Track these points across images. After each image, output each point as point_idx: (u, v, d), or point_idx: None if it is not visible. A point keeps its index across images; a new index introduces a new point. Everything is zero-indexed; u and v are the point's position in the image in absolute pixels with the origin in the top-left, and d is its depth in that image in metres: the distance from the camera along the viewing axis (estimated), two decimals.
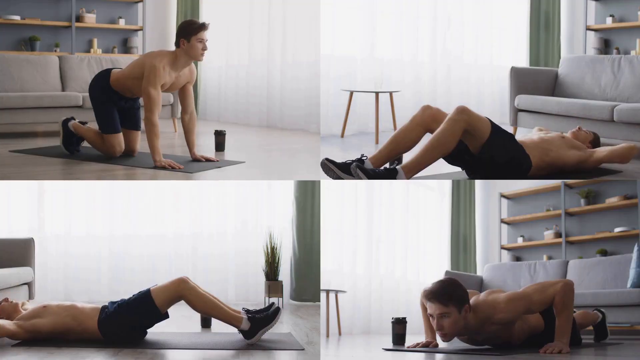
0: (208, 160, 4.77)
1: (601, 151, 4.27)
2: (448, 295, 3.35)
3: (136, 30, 8.09)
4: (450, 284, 3.40)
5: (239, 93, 7.67)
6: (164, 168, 4.43)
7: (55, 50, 7.52)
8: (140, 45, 8.04)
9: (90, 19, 7.67)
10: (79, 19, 7.63)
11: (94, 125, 5.03)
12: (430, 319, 3.44)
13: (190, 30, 4.51)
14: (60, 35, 7.64)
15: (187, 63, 4.63)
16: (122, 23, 7.94)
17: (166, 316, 3.57)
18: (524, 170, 3.95)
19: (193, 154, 4.83)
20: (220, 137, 5.37)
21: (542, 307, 3.50)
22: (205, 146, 5.58)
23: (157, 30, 8.15)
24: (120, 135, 4.82)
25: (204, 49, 4.55)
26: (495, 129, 3.81)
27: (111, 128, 4.78)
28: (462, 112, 3.69)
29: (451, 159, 3.96)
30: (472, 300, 3.52)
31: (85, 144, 5.04)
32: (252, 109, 7.51)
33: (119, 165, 4.60)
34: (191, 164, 4.62)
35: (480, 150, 3.79)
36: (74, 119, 4.97)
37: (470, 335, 3.61)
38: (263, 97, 7.40)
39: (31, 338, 3.48)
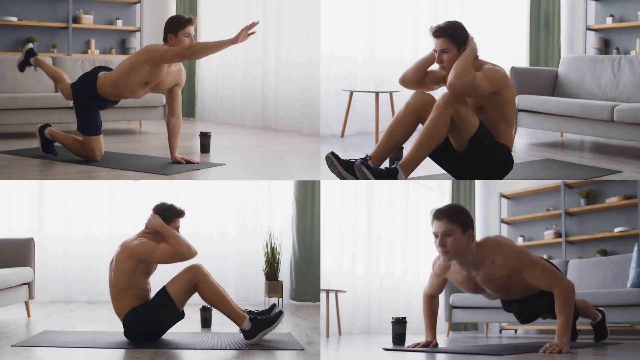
0: (189, 162, 4.76)
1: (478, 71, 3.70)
2: (455, 214, 3.41)
3: (134, 32, 8.08)
4: (458, 207, 3.49)
5: (235, 94, 7.65)
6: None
7: (53, 52, 7.51)
8: (138, 46, 8.04)
9: (88, 20, 7.67)
10: (76, 20, 7.63)
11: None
12: (434, 238, 3.47)
13: (177, 25, 4.52)
14: (58, 36, 7.64)
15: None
16: (119, 24, 7.94)
17: (183, 315, 3.56)
18: (509, 166, 3.85)
19: (174, 157, 4.82)
20: (205, 138, 5.34)
21: (534, 283, 3.51)
22: (189, 147, 5.59)
23: (155, 31, 8.12)
24: (101, 138, 4.78)
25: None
26: (483, 125, 3.71)
27: (92, 130, 4.74)
28: (448, 98, 3.61)
29: (437, 157, 3.87)
30: (481, 238, 3.57)
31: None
32: (248, 110, 7.49)
33: (100, 167, 4.60)
34: (169, 166, 4.62)
35: (467, 144, 3.65)
36: (50, 126, 4.97)
37: (468, 271, 3.59)
38: (258, 98, 7.37)
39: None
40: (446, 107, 3.59)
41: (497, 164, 3.76)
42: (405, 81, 3.93)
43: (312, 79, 6.72)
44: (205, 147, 5.34)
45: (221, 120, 7.82)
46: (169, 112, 4.85)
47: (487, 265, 3.51)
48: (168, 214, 3.65)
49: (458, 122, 3.61)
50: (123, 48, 8.05)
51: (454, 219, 3.40)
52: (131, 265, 3.51)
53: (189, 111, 8.05)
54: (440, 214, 3.42)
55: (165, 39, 4.56)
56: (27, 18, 7.41)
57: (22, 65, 4.98)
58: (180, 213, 3.68)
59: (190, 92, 8.05)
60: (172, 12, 8.25)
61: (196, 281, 3.51)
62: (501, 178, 3.88)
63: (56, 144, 4.95)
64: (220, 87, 7.87)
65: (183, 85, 4.86)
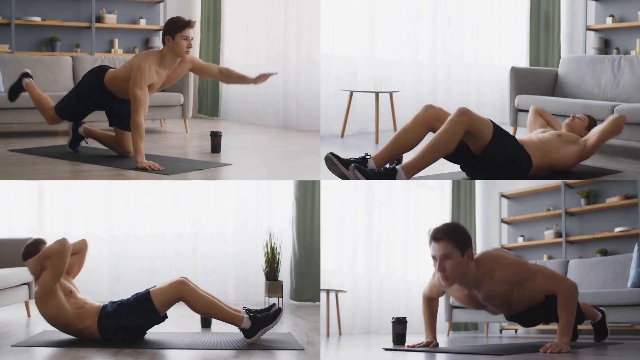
0: (268, 75, 4.78)
1: (593, 135, 4.24)
2: (453, 235, 3.35)
3: (157, 31, 8.06)
4: (456, 226, 3.43)
5: (258, 93, 7.55)
6: (144, 169, 4.44)
7: (76, 51, 7.56)
8: (162, 45, 8.01)
9: (111, 20, 7.69)
10: (99, 19, 7.66)
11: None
12: (433, 261, 3.43)
13: (175, 28, 4.52)
14: (81, 36, 7.67)
15: (174, 60, 4.63)
16: (143, 23, 7.93)
17: (165, 318, 3.57)
18: (524, 169, 3.95)
19: (252, 80, 4.80)
20: (216, 138, 5.30)
21: (538, 292, 3.51)
22: (203, 147, 5.59)
23: None
24: (59, 120, 4.91)
25: (189, 46, 4.55)
26: (498, 130, 3.81)
27: (66, 115, 4.88)
28: (464, 113, 3.69)
29: (452, 158, 3.96)
30: (479, 253, 3.54)
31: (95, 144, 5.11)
32: (270, 110, 7.40)
33: (101, 167, 4.60)
34: (170, 167, 4.58)
35: (482, 151, 3.80)
36: (84, 123, 5.02)
37: (469, 290, 3.59)
38: (279, 97, 7.27)
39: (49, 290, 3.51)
40: (459, 122, 3.68)
41: (511, 167, 3.89)
42: (536, 110, 4.74)
43: (348, 77, 6.65)
44: (216, 147, 5.28)
45: (245, 120, 7.72)
46: (215, 77, 4.88)
47: (487, 282, 3.49)
48: (30, 250, 3.66)
49: (473, 132, 3.73)
50: (147, 47, 8.03)
51: (453, 240, 3.33)
52: (53, 304, 3.50)
53: (213, 111, 8.03)
54: (438, 235, 3.36)
55: (163, 41, 4.57)
56: (51, 18, 7.46)
57: (13, 91, 5.04)
58: (38, 242, 3.70)
59: (215, 92, 8.03)
60: (197, 11, 8.24)
61: (181, 296, 3.51)
62: (523, 178, 4.01)
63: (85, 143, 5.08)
64: (244, 86, 7.79)
65: (199, 62, 4.83)
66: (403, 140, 3.82)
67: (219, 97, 8.04)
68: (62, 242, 3.55)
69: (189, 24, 4.52)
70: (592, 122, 4.46)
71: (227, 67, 4.95)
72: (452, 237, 3.34)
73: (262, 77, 4.81)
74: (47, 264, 3.52)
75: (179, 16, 4.65)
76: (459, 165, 4.09)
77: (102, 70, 4.77)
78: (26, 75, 5.01)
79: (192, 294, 3.52)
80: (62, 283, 3.59)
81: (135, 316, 3.49)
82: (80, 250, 3.84)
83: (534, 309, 3.73)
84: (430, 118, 3.84)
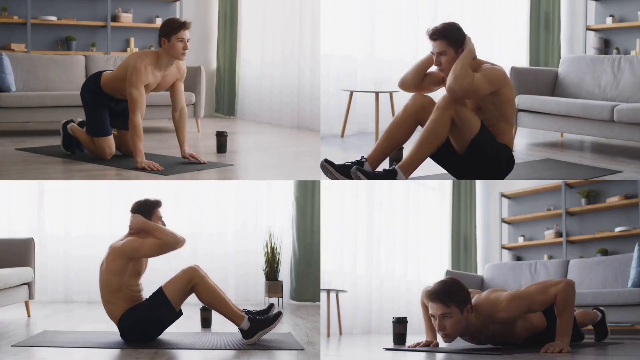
0: (195, 160, 4.73)
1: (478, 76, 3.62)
2: (450, 295, 3.33)
3: None
4: (452, 284, 3.39)
5: (272, 92, 7.52)
6: (144, 169, 4.43)
7: (92, 50, 7.59)
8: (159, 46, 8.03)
9: (127, 19, 7.70)
10: (115, 18, 7.68)
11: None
12: (432, 319, 3.43)
13: (170, 30, 4.50)
14: (97, 35, 7.70)
15: (170, 62, 4.61)
16: (159, 22, 7.93)
17: (180, 314, 3.57)
18: (510, 166, 3.86)
19: (183, 152, 4.80)
20: (221, 138, 5.28)
21: (544, 306, 3.51)
22: (210, 147, 5.59)
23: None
24: (110, 139, 4.80)
25: (185, 48, 4.52)
26: (485, 126, 3.71)
27: (100, 131, 4.77)
28: (449, 99, 3.59)
29: (437, 158, 3.86)
30: (473, 300, 3.51)
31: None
32: (285, 109, 7.35)
33: (101, 166, 4.60)
34: (172, 166, 4.58)
35: (469, 145, 3.64)
36: (73, 122, 5.00)
37: (472, 335, 3.61)
38: (294, 96, 7.23)
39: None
40: (446, 108, 3.56)
41: (499, 164, 3.75)
42: (405, 84, 3.89)
43: (348, 77, 6.61)
44: (221, 147, 5.25)
45: (261, 120, 7.68)
46: (172, 107, 4.82)
47: (489, 326, 3.50)
48: (145, 208, 3.68)
49: (459, 123, 3.59)
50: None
51: (450, 301, 3.33)
52: (121, 264, 3.51)
53: (230, 110, 8.02)
54: (434, 297, 3.34)
55: (159, 43, 4.56)
56: (67, 17, 7.49)
57: (67, 144, 5.00)
58: (156, 203, 3.71)
59: (231, 92, 8.02)
60: (215, 9, 8.25)
61: (194, 283, 3.52)
62: (502, 178, 3.87)
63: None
64: (259, 85, 7.76)
65: (184, 78, 4.82)
66: (395, 134, 3.76)
67: (236, 97, 8.02)
68: (179, 241, 3.55)
69: (184, 26, 4.50)
70: (451, 42, 3.65)
71: (184, 116, 4.82)
72: (448, 298, 3.31)
73: (190, 157, 4.75)
74: (151, 241, 3.51)
75: (175, 17, 4.65)
76: (445, 169, 3.97)
77: (97, 74, 4.78)
78: (66, 123, 4.99)
79: (202, 281, 3.53)
80: (141, 260, 3.59)
81: (148, 311, 3.49)
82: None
83: (536, 335, 3.74)
84: (418, 108, 3.75)
